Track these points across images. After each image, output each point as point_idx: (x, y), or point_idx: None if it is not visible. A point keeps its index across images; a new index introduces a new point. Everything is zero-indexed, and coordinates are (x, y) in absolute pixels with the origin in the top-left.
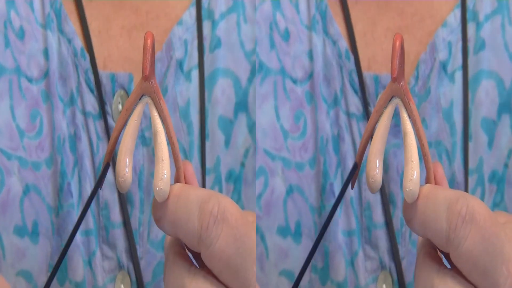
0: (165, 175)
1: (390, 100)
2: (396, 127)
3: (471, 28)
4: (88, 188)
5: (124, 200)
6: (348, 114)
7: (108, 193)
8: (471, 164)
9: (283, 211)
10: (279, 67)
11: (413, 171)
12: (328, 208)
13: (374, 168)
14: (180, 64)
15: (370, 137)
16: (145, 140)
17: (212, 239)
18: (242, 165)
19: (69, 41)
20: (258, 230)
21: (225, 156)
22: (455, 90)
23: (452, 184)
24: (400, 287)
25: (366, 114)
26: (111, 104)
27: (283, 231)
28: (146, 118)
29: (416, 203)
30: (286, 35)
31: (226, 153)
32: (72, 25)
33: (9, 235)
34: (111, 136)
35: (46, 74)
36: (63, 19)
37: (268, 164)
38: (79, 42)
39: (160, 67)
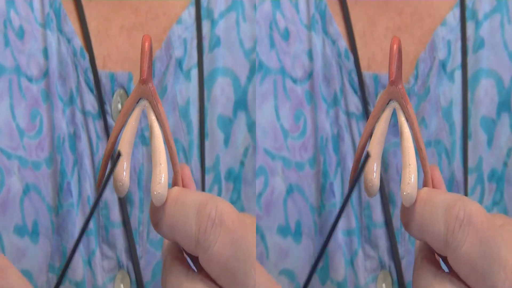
0: (162, 179)
1: (387, 104)
2: (395, 126)
3: (470, 27)
4: (88, 188)
5: (123, 199)
6: (348, 114)
7: (107, 193)
8: (471, 163)
9: (283, 210)
10: (279, 67)
11: (411, 175)
12: (328, 207)
13: (372, 172)
14: (179, 63)
15: (368, 140)
16: (145, 139)
17: (210, 243)
18: (242, 164)
19: (69, 40)
20: (258, 230)
21: (225, 155)
22: (455, 89)
23: (452, 183)
24: (399, 287)
25: (366, 113)
26: (110, 104)
27: (283, 231)
28: (146, 117)
29: (414, 206)
30: (286, 35)
31: (226, 152)
32: (72, 25)
33: (9, 235)
34: (109, 140)
35: (45, 74)
36: (62, 19)
37: (268, 164)
38: (78, 42)
39: (159, 66)
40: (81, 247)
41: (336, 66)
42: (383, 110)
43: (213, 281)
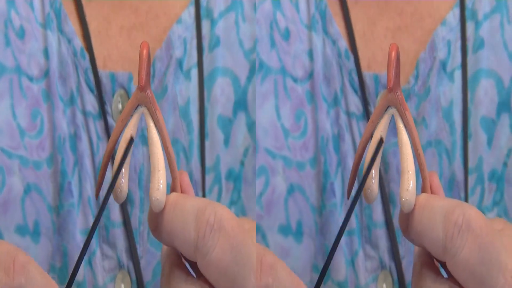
0: (161, 185)
1: (386, 110)
2: (395, 126)
3: (470, 27)
4: (89, 188)
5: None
6: (348, 114)
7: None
8: (471, 163)
9: (284, 210)
10: (279, 66)
11: (409, 181)
12: (329, 207)
13: (371, 178)
14: (179, 63)
15: (366, 146)
16: (145, 139)
17: (209, 248)
18: (242, 164)
19: (69, 41)
20: (259, 229)
21: (225, 155)
22: (455, 89)
23: (452, 183)
24: (400, 287)
25: (366, 113)
26: (111, 104)
27: (284, 230)
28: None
29: (412, 212)
30: (286, 34)
31: (226, 152)
32: (72, 25)
33: (11, 234)
34: (107, 146)
35: (46, 74)
36: (63, 19)
37: (269, 163)
38: (78, 42)
39: (159, 66)
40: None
41: (337, 66)
42: (381, 117)
43: (212, 286)
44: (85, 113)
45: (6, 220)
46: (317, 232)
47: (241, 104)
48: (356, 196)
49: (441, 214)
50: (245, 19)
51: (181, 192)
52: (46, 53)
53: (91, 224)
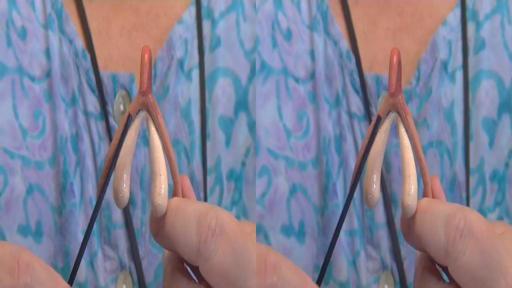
0: (162, 189)
1: (387, 115)
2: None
3: (470, 27)
4: (90, 188)
5: None
6: (350, 114)
7: (109, 194)
8: (472, 164)
9: (286, 210)
10: (281, 67)
11: (411, 186)
12: (331, 208)
13: (372, 184)
14: (181, 64)
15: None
16: (147, 140)
17: (211, 253)
18: (243, 164)
19: (70, 41)
20: (262, 229)
21: (226, 155)
22: (456, 90)
23: (454, 184)
24: (402, 287)
25: (368, 114)
26: (112, 105)
27: (286, 230)
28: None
29: (414, 217)
30: (288, 35)
31: (227, 153)
32: (73, 26)
33: (13, 235)
34: (109, 150)
35: (48, 74)
36: (64, 20)
37: (271, 163)
38: (80, 43)
39: (161, 66)
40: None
41: (338, 67)
42: (382, 121)
43: None
44: (86, 114)
45: (9, 220)
46: (319, 233)
47: (242, 104)
48: (351, 191)
49: (442, 218)
50: (246, 19)
51: (183, 196)
52: (47, 53)
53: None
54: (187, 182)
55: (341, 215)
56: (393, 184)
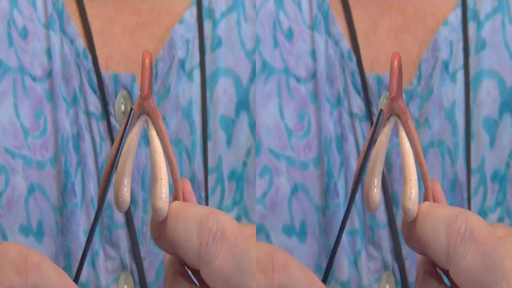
0: (163, 193)
1: (388, 119)
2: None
3: (471, 27)
4: (92, 188)
5: None
6: (351, 114)
7: (110, 193)
8: (473, 164)
9: (288, 210)
10: (282, 66)
11: (412, 190)
12: (333, 207)
13: (373, 188)
14: (182, 64)
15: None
16: (148, 140)
17: (212, 257)
18: (244, 164)
19: (72, 41)
20: (263, 229)
21: (227, 155)
22: (457, 90)
23: (455, 183)
24: (403, 287)
25: (369, 114)
26: (113, 105)
27: (288, 230)
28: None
29: (415, 221)
30: (289, 34)
31: (228, 153)
32: (74, 26)
33: (14, 234)
34: (110, 154)
35: (49, 74)
36: (65, 20)
37: (273, 163)
38: (81, 43)
39: (162, 66)
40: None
41: (339, 67)
42: (383, 126)
43: None
44: (88, 114)
45: (10, 220)
46: (320, 232)
47: (243, 104)
48: (353, 193)
49: (444, 222)
50: (247, 19)
51: (183, 200)
52: (49, 53)
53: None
54: (188, 186)
55: (342, 222)
56: (394, 184)
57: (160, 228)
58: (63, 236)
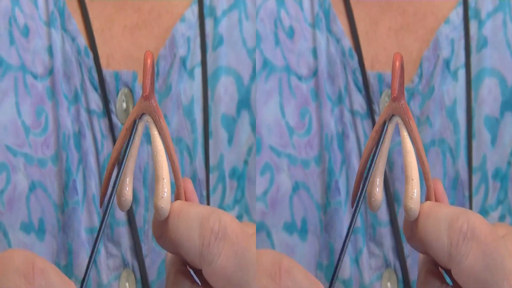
0: (165, 193)
1: (390, 119)
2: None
3: (473, 26)
4: (93, 186)
5: None
6: (352, 112)
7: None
8: (475, 162)
9: (289, 208)
10: (284, 64)
11: (414, 189)
12: (334, 205)
13: (375, 187)
14: (183, 62)
15: (371, 153)
16: (149, 138)
17: (214, 256)
18: (246, 162)
19: (73, 39)
20: (264, 227)
21: (229, 153)
22: (458, 88)
23: (456, 182)
24: (404, 285)
25: (370, 112)
26: (115, 103)
27: (289, 228)
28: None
29: (416, 220)
30: (291, 32)
31: (230, 151)
32: (75, 24)
33: (16, 232)
34: (112, 154)
35: (50, 72)
36: (66, 18)
37: (274, 161)
38: (82, 40)
39: (163, 64)
40: (86, 245)
41: (340, 65)
42: (386, 125)
43: None
44: (89, 111)
45: (11, 217)
46: (321, 230)
47: (245, 102)
48: (359, 200)
49: (445, 221)
50: (248, 17)
51: (185, 199)
52: (50, 51)
53: (95, 222)
54: (190, 185)
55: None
56: (396, 183)
57: (162, 228)
58: (65, 233)
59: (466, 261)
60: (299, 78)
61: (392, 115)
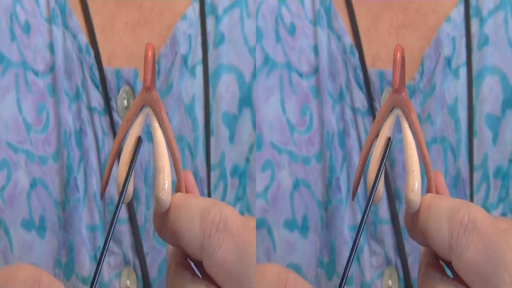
0: (166, 185)
1: (391, 111)
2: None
3: (474, 24)
4: (94, 183)
5: None
6: (354, 110)
7: (113, 189)
8: (476, 160)
9: (289, 205)
10: (285, 61)
11: (415, 181)
12: (335, 203)
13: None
14: (184, 60)
15: (372, 146)
16: (151, 136)
17: (215, 248)
18: (247, 160)
19: (74, 36)
20: (265, 223)
21: (230, 151)
22: (460, 86)
23: (457, 180)
24: (405, 283)
25: (371, 110)
26: (116, 100)
27: (290, 225)
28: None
29: (417, 212)
30: (292, 29)
31: (231, 149)
32: (77, 21)
33: (16, 229)
34: (112, 146)
35: (52, 69)
36: (67, 15)
37: (275, 157)
38: (83, 38)
39: (165, 62)
40: (87, 243)
41: (342, 62)
42: (386, 117)
43: (218, 286)
44: (90, 109)
45: (12, 214)
46: (322, 227)
47: (246, 100)
48: (366, 208)
49: (446, 214)
50: (250, 15)
51: (186, 192)
52: (51, 48)
53: (97, 220)
54: (190, 178)
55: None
56: (397, 180)
57: (163, 220)
58: (65, 231)
59: (467, 253)
60: (300, 75)
61: (393, 107)
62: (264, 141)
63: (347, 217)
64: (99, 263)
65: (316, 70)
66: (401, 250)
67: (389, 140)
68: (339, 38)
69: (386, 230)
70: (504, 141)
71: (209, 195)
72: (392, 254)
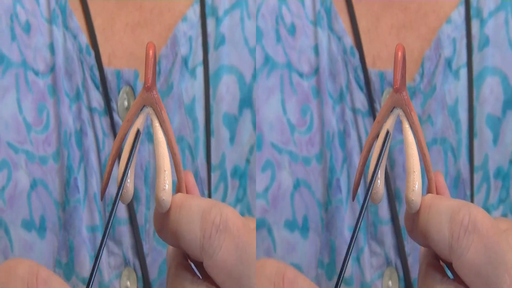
0: (166, 185)
1: (392, 111)
2: (400, 123)
3: (475, 25)
4: (94, 184)
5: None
6: (354, 110)
7: (114, 189)
8: (477, 161)
9: (290, 205)
10: (285, 61)
11: (415, 182)
12: (335, 203)
13: (376, 179)
14: (185, 61)
15: (372, 146)
16: (151, 136)
17: (215, 249)
18: (247, 161)
19: (74, 37)
20: (265, 224)
21: (230, 152)
22: (460, 87)
23: (458, 181)
24: (406, 284)
25: (372, 110)
26: (116, 101)
27: (290, 225)
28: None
29: (418, 213)
30: (292, 29)
31: (231, 150)
32: (77, 21)
33: (17, 229)
34: (113, 146)
35: (52, 69)
36: (68, 15)
37: (275, 158)
38: (84, 39)
39: (165, 63)
40: (87, 243)
41: (342, 63)
42: (387, 117)
43: (218, 287)
44: (90, 109)
45: (12, 215)
46: (323, 228)
47: (247, 101)
48: (363, 206)
49: (447, 214)
50: (250, 16)
51: (187, 192)
52: (51, 48)
53: (97, 220)
54: (191, 178)
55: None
56: (397, 181)
57: (163, 220)
58: (66, 231)
59: (467, 254)
60: (301, 75)
61: (394, 107)
62: (265, 141)
63: (348, 217)
64: (96, 258)
65: (316, 71)
66: (401, 251)
67: (387, 134)
68: (339, 38)
69: (386, 231)
70: (505, 142)
71: (209, 196)
72: (392, 255)
